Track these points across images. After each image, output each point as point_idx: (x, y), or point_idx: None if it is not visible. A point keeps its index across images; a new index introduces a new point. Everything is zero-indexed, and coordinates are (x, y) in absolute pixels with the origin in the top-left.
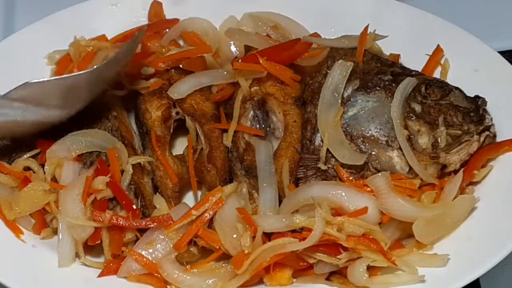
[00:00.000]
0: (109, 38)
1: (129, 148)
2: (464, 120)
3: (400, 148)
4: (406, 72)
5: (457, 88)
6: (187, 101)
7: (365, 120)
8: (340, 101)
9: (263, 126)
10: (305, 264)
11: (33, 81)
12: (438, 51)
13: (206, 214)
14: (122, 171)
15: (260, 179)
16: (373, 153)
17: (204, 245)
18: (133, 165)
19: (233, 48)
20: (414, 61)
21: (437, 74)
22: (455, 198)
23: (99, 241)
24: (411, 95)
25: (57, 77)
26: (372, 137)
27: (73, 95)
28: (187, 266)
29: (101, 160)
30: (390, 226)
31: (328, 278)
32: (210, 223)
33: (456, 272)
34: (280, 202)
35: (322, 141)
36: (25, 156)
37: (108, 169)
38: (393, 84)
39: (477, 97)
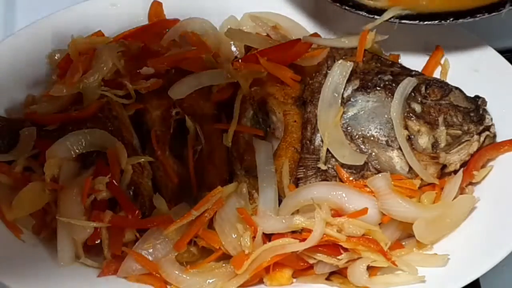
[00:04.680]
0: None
1: (129, 148)
2: (464, 120)
3: (400, 148)
4: (406, 72)
5: (457, 88)
6: (187, 101)
7: (365, 120)
8: (340, 101)
9: (263, 126)
10: (305, 264)
11: None
12: (438, 51)
13: (206, 214)
14: (122, 171)
15: (260, 179)
16: (373, 153)
17: (204, 245)
18: (132, 165)
19: (233, 48)
20: (414, 61)
21: (437, 74)
22: (455, 198)
23: (98, 241)
24: (411, 95)
25: None
26: (372, 137)
27: None
28: (187, 266)
29: (100, 160)
30: (390, 226)
31: (328, 278)
32: (210, 223)
33: (456, 272)
34: (280, 202)
35: (322, 141)
36: (25, 156)
37: (108, 169)
38: (393, 84)
39: (477, 97)
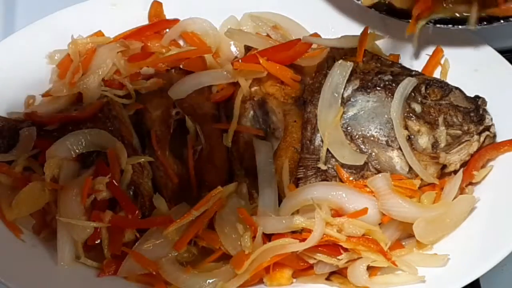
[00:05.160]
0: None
1: (129, 148)
2: (464, 120)
3: (400, 148)
4: (406, 72)
5: (457, 88)
6: (187, 101)
7: (365, 120)
8: (340, 101)
9: (263, 126)
10: (305, 264)
11: None
12: (438, 51)
13: (206, 214)
14: (122, 171)
15: (260, 179)
16: (373, 153)
17: (204, 245)
18: (132, 165)
19: (233, 48)
20: (414, 61)
21: (437, 74)
22: (455, 198)
23: (98, 241)
24: (411, 95)
25: None
26: (372, 137)
27: None
28: (187, 266)
29: (100, 160)
30: (390, 227)
31: (328, 278)
32: (210, 223)
33: (456, 272)
34: (280, 202)
35: (322, 141)
36: (25, 156)
37: (108, 169)
38: (393, 84)
39: (477, 97)
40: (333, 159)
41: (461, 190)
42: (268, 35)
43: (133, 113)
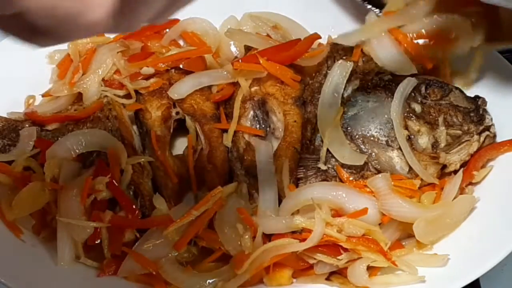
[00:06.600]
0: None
1: (129, 148)
2: (464, 120)
3: (400, 148)
4: None
5: (457, 88)
6: (187, 101)
7: (365, 120)
8: (340, 101)
9: (263, 126)
10: (305, 264)
11: None
12: None
13: (206, 214)
14: (122, 171)
15: (260, 179)
16: (373, 153)
17: (204, 245)
18: (132, 165)
19: (233, 48)
20: None
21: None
22: (455, 198)
23: (98, 241)
24: (411, 95)
25: None
26: (372, 137)
27: None
28: (187, 266)
29: (100, 160)
30: (390, 227)
31: (328, 278)
32: (210, 223)
33: (456, 272)
34: (280, 202)
35: (322, 141)
36: (25, 156)
37: (108, 169)
38: (393, 84)
39: (477, 97)
40: (333, 159)
41: (461, 190)
42: (268, 35)
43: (133, 113)
